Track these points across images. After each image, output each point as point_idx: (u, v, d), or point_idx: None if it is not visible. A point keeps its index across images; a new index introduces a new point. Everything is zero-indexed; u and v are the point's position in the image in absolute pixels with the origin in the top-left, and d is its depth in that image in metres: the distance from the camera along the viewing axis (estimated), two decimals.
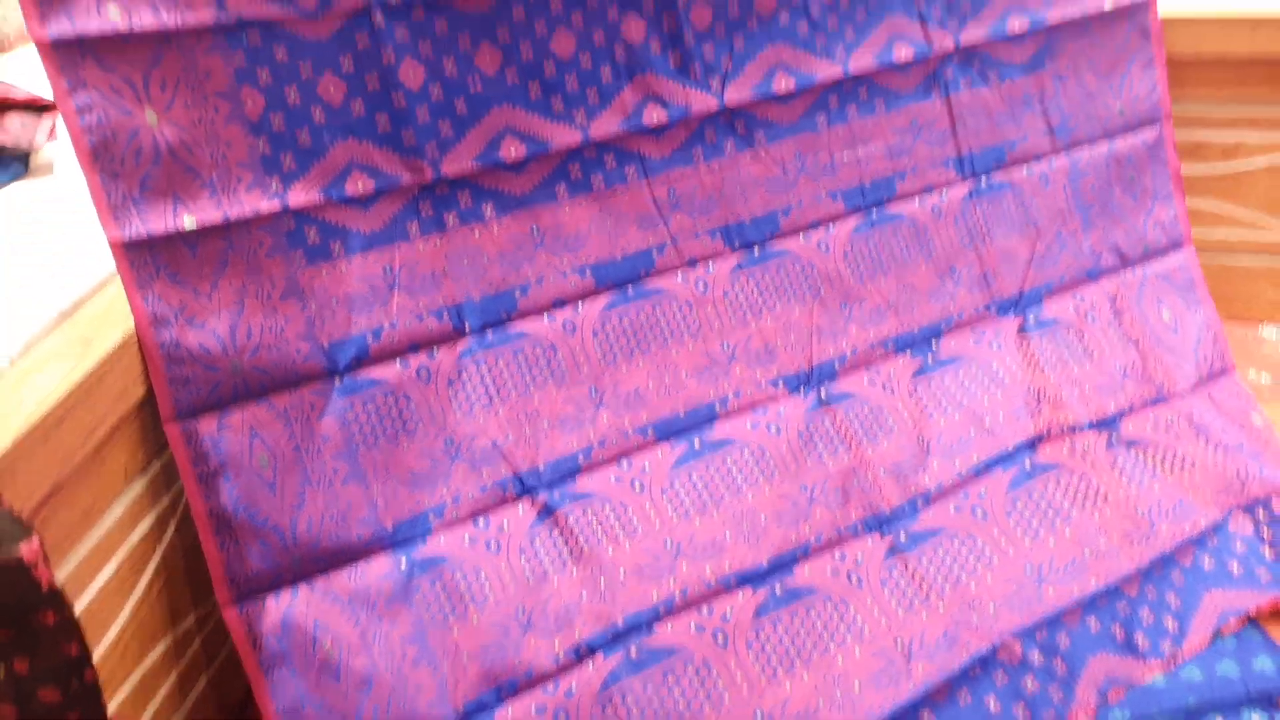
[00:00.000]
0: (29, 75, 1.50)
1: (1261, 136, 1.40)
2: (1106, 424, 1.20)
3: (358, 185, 0.96)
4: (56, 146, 1.21)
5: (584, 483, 1.03)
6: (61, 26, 0.79)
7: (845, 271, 1.18)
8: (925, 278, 1.22)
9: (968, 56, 1.23)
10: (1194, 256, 1.35)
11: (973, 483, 1.12)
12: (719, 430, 1.09)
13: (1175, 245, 1.34)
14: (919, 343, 1.20)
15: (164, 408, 0.86)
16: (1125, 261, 1.32)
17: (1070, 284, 1.29)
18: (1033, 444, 1.16)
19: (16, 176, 1.15)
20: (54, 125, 1.17)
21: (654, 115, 1.09)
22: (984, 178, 1.26)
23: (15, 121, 1.15)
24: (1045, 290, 1.27)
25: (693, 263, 1.13)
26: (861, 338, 1.18)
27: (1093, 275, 1.30)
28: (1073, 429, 1.18)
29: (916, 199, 1.23)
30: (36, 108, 1.17)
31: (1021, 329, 1.24)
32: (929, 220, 1.23)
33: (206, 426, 0.87)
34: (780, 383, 1.13)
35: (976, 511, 1.10)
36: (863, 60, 1.18)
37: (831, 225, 1.19)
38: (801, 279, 1.17)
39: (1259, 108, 1.39)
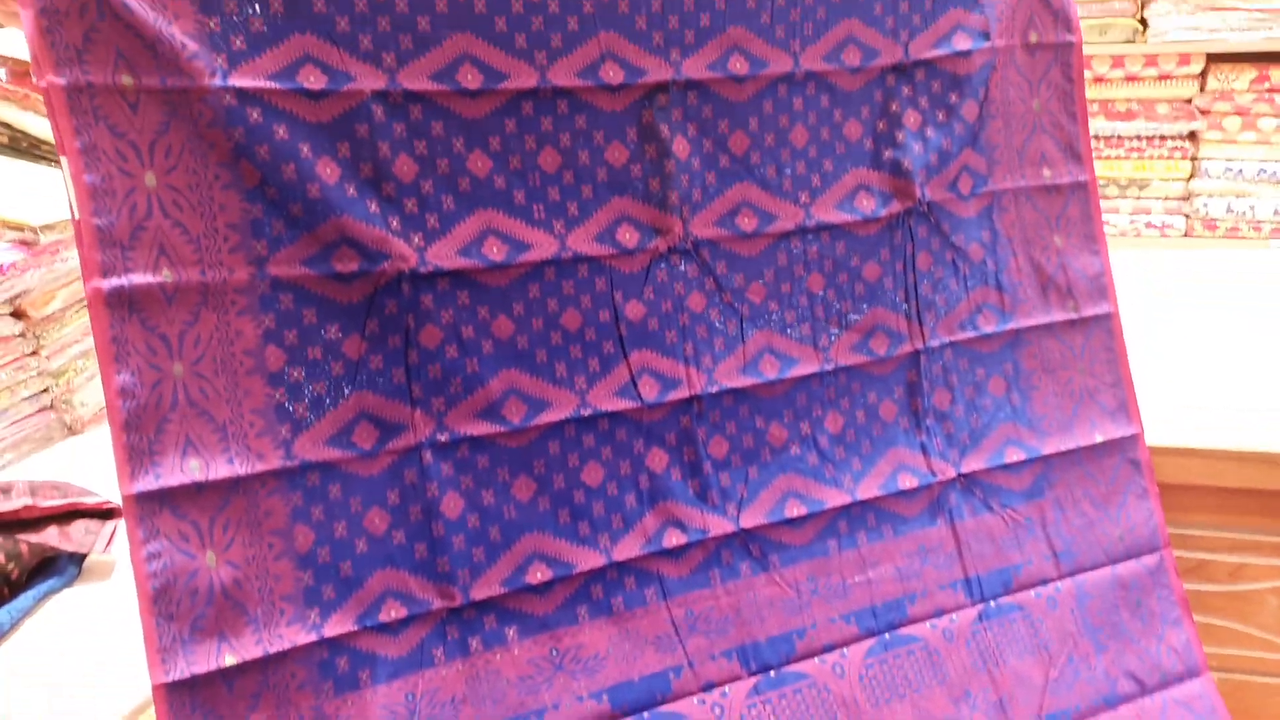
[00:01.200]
0: (99, 459, 1.63)
1: (1265, 562, 1.45)
2: None
3: (390, 613, 1.01)
4: (113, 549, 1.29)
5: None
6: (147, 483, 0.89)
7: (861, 697, 1.19)
8: (941, 704, 1.22)
9: (969, 485, 1.32)
10: (1213, 685, 1.35)
11: None
12: None
13: (1192, 673, 1.34)
14: None
15: None
16: (1143, 689, 1.31)
17: (1089, 711, 1.28)
18: None
19: (70, 581, 1.22)
20: (114, 532, 1.26)
21: (673, 539, 1.16)
22: (993, 601, 1.29)
23: (80, 528, 1.24)
24: (1064, 719, 1.26)
25: (709, 687, 1.15)
26: None
27: (1110, 703, 1.29)
28: None
29: (928, 622, 1.26)
30: (102, 513, 1.27)
31: None
32: (941, 643, 1.25)
33: None
34: None
35: None
36: (869, 488, 1.26)
37: (845, 649, 1.21)
38: (818, 705, 1.17)
39: (1258, 535, 1.45)
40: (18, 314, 1.68)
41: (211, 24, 0.93)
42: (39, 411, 1.73)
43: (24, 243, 1.66)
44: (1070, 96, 1.36)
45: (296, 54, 0.97)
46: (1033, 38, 1.33)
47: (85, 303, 1.78)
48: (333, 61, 0.98)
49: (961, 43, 1.27)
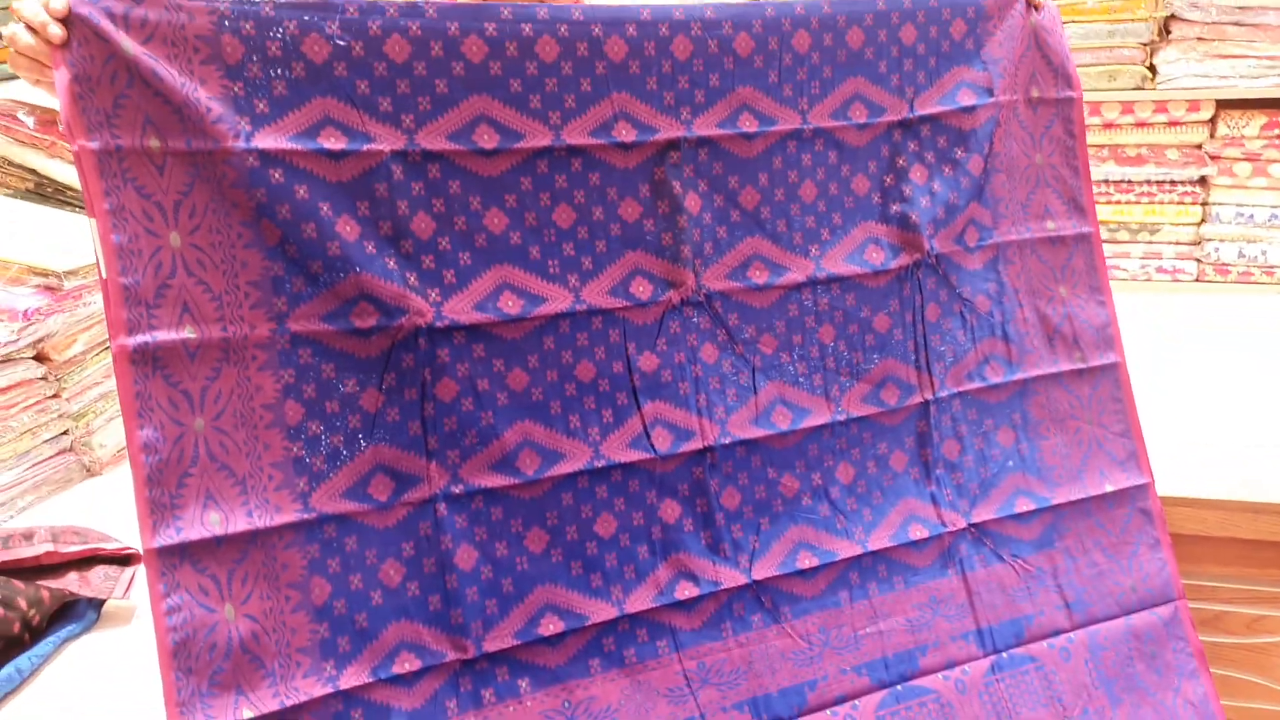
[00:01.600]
0: (118, 501, 1.64)
1: None
2: None
3: (404, 665, 1.02)
4: (132, 594, 1.30)
5: None
6: (168, 537, 0.91)
7: None
8: None
9: (980, 535, 1.32)
10: None
11: None
12: None
13: None
14: None
15: None
16: None
17: None
18: None
19: (89, 626, 1.24)
20: (132, 578, 1.27)
21: (686, 590, 1.16)
22: (1005, 652, 1.29)
23: (99, 574, 1.25)
24: None
25: None
26: None
27: None
28: None
29: (940, 674, 1.26)
30: (121, 559, 1.29)
31: None
32: (953, 695, 1.25)
33: None
34: None
35: None
36: (880, 539, 1.26)
37: (857, 701, 1.21)
38: None
39: (1277, 587, 1.44)
40: (40, 357, 1.71)
41: (236, 88, 0.96)
42: (59, 454, 1.75)
43: (48, 288, 1.70)
44: (1072, 151, 1.38)
45: (317, 116, 1.00)
46: (1034, 93, 1.36)
47: (106, 346, 1.81)
48: (353, 123, 1.01)
49: (966, 99, 1.29)
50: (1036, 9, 1.34)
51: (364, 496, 1.03)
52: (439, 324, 1.05)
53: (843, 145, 1.24)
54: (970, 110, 1.30)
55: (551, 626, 1.10)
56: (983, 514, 1.32)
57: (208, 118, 0.94)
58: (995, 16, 1.31)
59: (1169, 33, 2.31)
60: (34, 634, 1.23)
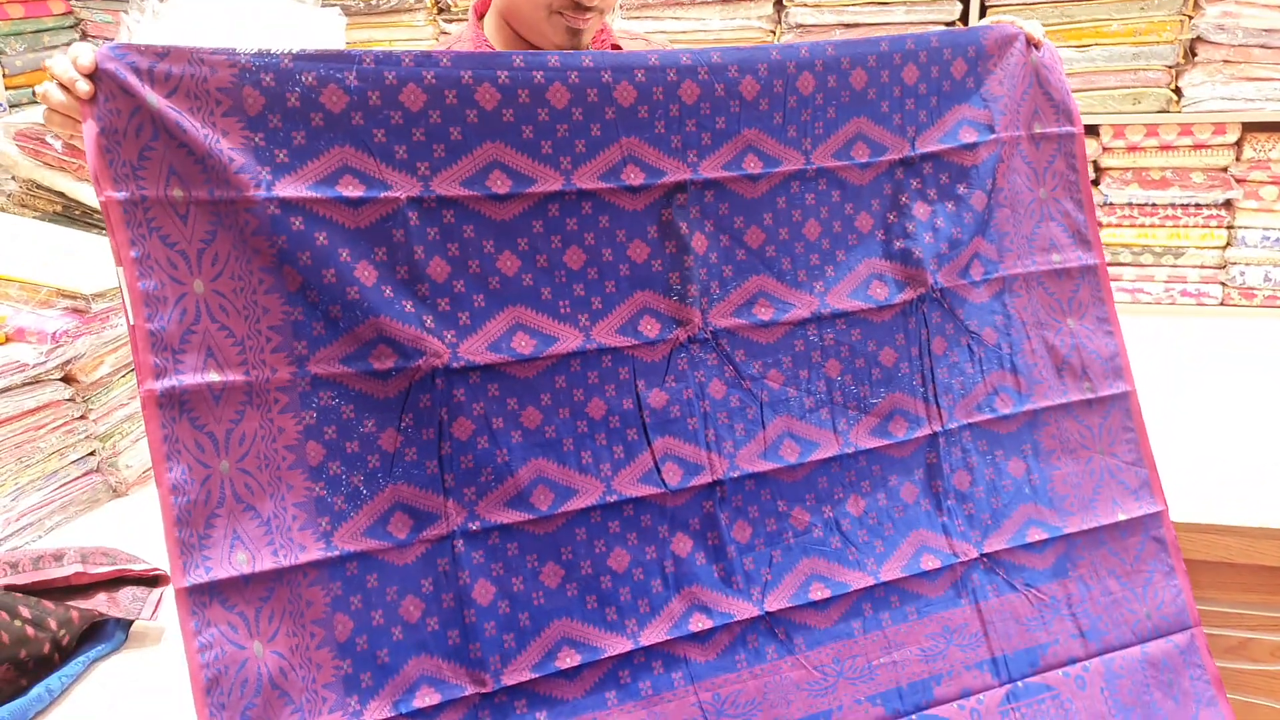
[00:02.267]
0: (144, 521, 1.67)
1: None
2: None
3: (425, 699, 1.04)
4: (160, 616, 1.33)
5: None
6: (198, 576, 0.94)
7: None
8: None
9: (992, 564, 1.32)
10: None
11: None
12: None
13: None
14: None
15: None
16: None
17: None
18: None
19: (118, 646, 1.27)
20: (160, 599, 1.30)
21: (699, 623, 1.18)
22: (1020, 681, 1.29)
23: (128, 595, 1.28)
24: None
25: None
26: None
27: None
28: None
29: (955, 703, 1.26)
30: (149, 580, 1.31)
31: None
32: None
33: None
34: None
35: None
36: (892, 570, 1.27)
37: None
38: None
39: None
40: (68, 379, 1.74)
41: (257, 139, 0.99)
42: (85, 474, 1.78)
43: (76, 310, 1.73)
44: (1075, 185, 1.39)
45: (336, 165, 1.02)
46: (1037, 129, 1.37)
47: (132, 368, 1.84)
48: (370, 171, 1.03)
49: (967, 136, 1.31)
50: (1036, 47, 1.35)
51: (384, 534, 1.05)
52: (455, 364, 1.07)
53: (846, 184, 1.26)
54: (972, 147, 1.31)
55: (568, 660, 1.11)
56: (995, 544, 1.32)
57: (230, 168, 0.97)
58: (995, 55, 1.32)
59: (1194, 55, 2.30)
60: (63, 654, 1.26)
